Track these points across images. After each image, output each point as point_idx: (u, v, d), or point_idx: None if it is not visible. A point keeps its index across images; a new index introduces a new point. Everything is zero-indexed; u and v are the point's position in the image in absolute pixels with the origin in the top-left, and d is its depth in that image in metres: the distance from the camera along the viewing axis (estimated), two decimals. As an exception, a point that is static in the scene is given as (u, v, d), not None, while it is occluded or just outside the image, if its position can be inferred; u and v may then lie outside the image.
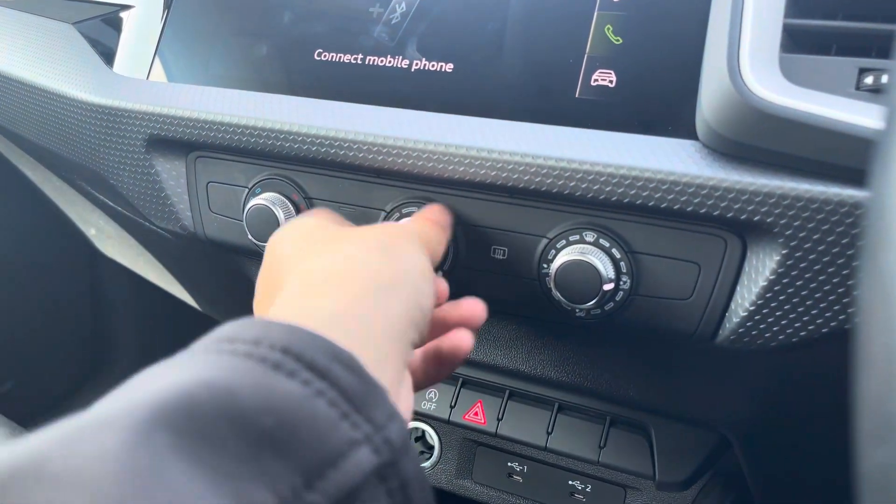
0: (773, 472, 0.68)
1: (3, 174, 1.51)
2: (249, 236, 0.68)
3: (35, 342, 1.70)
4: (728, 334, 0.55)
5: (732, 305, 0.54)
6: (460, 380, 0.75)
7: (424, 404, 0.75)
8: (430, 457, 0.89)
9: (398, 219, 0.63)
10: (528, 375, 0.71)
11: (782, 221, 0.49)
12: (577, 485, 0.82)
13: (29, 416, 1.18)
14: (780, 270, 0.51)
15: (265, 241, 0.67)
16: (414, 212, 0.62)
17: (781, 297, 0.51)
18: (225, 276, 1.06)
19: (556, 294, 0.59)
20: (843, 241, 0.48)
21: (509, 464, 0.85)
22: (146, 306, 1.76)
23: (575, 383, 0.68)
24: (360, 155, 0.61)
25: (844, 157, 0.47)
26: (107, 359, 1.80)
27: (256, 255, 0.74)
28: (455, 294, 0.65)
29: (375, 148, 0.60)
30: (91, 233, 1.58)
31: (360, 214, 0.65)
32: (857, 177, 0.47)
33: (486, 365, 0.72)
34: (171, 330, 1.83)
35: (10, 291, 1.64)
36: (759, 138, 0.49)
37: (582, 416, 0.71)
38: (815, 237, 0.49)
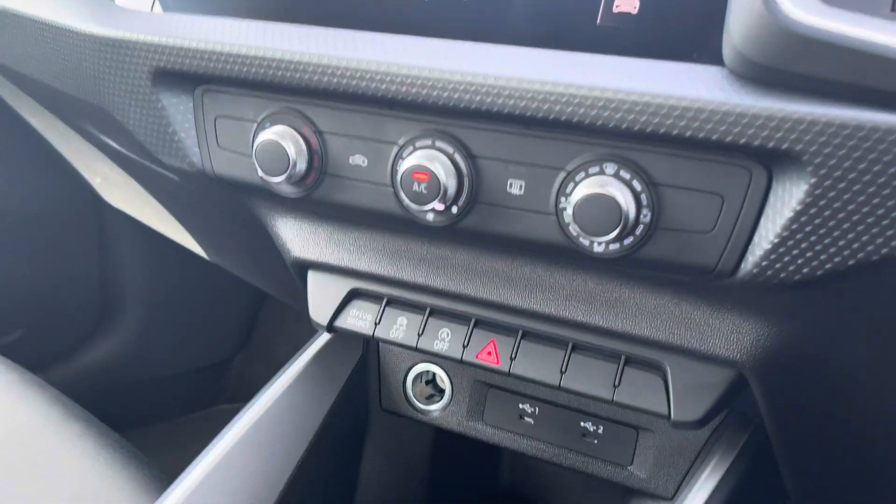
0: (789, 411, 0.67)
1: (8, 124, 1.49)
2: (259, 172, 0.66)
3: (43, 292, 1.70)
4: (750, 268, 0.54)
5: (755, 238, 0.53)
6: (473, 320, 0.74)
7: (437, 344, 0.75)
8: (441, 399, 0.89)
9: (411, 153, 0.61)
10: (541, 315, 0.70)
11: (811, 149, 0.48)
12: (589, 426, 0.82)
13: (39, 366, 1.18)
14: (807, 201, 0.49)
15: (275, 177, 0.66)
16: (427, 145, 0.61)
17: (808, 229, 0.50)
18: (232, 221, 1.05)
19: (574, 228, 0.57)
20: (875, 168, 0.46)
21: (521, 406, 0.84)
22: (153, 256, 1.76)
23: (589, 322, 0.68)
24: (373, 85, 0.59)
25: (880, 80, 0.45)
26: (115, 308, 1.80)
27: (266, 194, 0.73)
28: (471, 233, 0.63)
29: (389, 77, 0.58)
30: (96, 182, 1.57)
31: (373, 148, 0.63)
32: (892, 101, 0.45)
33: (500, 305, 0.71)
34: (178, 279, 1.82)
35: (16, 242, 1.63)
36: (791, 62, 0.47)
37: (596, 355, 0.70)
38: (845, 165, 0.47)
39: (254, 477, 0.78)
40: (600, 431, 0.81)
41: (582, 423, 0.82)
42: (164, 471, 0.96)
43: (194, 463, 0.77)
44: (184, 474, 0.76)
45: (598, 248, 0.57)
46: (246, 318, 2.00)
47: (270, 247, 0.88)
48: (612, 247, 0.57)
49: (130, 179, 1.29)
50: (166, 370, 1.90)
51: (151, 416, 1.86)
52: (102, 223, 1.74)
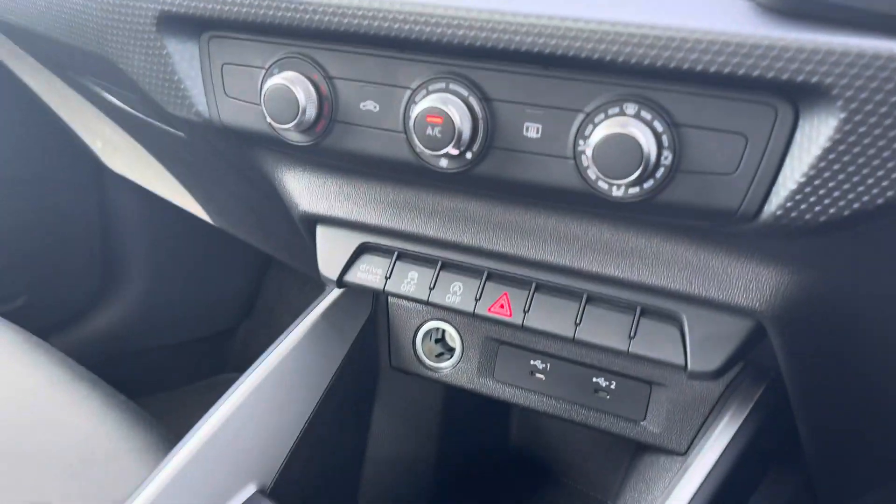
0: (808, 362, 0.66)
1: (7, 88, 1.47)
2: (268, 119, 0.65)
3: (45, 259, 1.69)
4: (774, 211, 0.52)
5: (780, 179, 0.52)
6: (485, 272, 0.73)
7: (448, 297, 0.74)
8: (451, 357, 0.88)
9: (424, 97, 0.60)
10: (555, 266, 0.69)
11: (842, 82, 0.46)
12: (602, 382, 0.81)
13: (42, 334, 1.18)
14: (836, 137, 0.48)
15: (284, 124, 0.65)
16: (441, 89, 0.59)
17: (836, 167, 0.49)
18: (238, 178, 1.03)
19: (593, 172, 0.56)
20: (908, 100, 0.45)
21: (532, 362, 0.84)
22: (156, 221, 1.74)
23: (604, 273, 0.66)
24: (384, 25, 0.58)
25: (915, 7, 0.43)
26: (118, 276, 1.79)
27: (273, 144, 0.72)
28: (486, 179, 0.62)
29: (401, 16, 0.57)
30: (97, 146, 1.55)
31: (386, 93, 0.62)
32: (927, 29, 0.44)
33: (513, 257, 0.70)
34: (181, 247, 1.81)
35: (17, 208, 1.62)
36: (821, -9, 0.45)
37: (611, 306, 0.69)
38: (876, 98, 0.46)
39: (263, 434, 0.77)
40: (613, 387, 0.80)
41: (594, 379, 0.81)
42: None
43: (202, 420, 0.76)
44: (191, 432, 0.76)
45: (616, 193, 0.56)
46: (249, 288, 1.99)
47: (277, 205, 0.87)
48: (632, 191, 0.56)
49: (132, 142, 1.27)
50: (170, 339, 1.89)
51: (155, 384, 1.86)
52: (103, 190, 1.72)
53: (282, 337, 0.82)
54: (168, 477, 0.71)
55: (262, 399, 0.77)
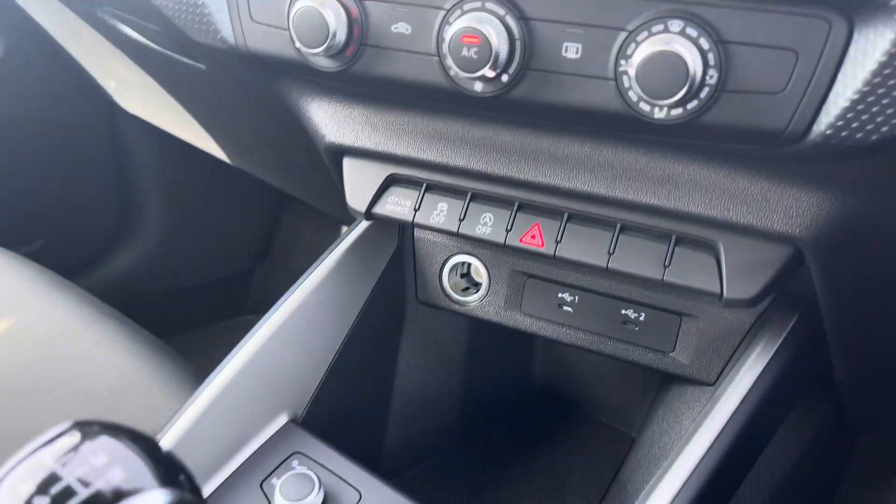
0: (846, 289, 0.65)
1: (19, 28, 1.44)
2: (296, 44, 0.63)
3: (62, 201, 1.69)
4: (823, 130, 0.51)
5: (831, 96, 0.50)
6: (516, 203, 0.72)
7: (479, 228, 0.73)
8: (476, 292, 0.88)
9: (459, 17, 0.58)
10: (589, 195, 0.68)
11: (903, -9, 0.44)
12: (630, 314, 0.80)
13: (62, 274, 1.18)
14: (892, 51, 0.46)
15: (313, 48, 0.63)
16: (477, 7, 0.57)
17: (891, 83, 0.47)
18: (259, 113, 1.02)
19: (635, 93, 0.55)
20: (973, 9, 0.43)
21: (560, 295, 0.83)
22: (170, 164, 1.73)
23: (639, 201, 0.65)
24: (420, -59, 0.56)
25: None
26: (134, 219, 1.79)
27: (300, 72, 0.70)
28: (522, 104, 0.61)
29: (437, -69, 0.55)
30: (111, 86, 1.53)
31: (418, 14, 0.60)
32: None
33: (545, 186, 0.69)
34: (197, 187, 1.81)
35: (31, 149, 1.61)
36: None
37: (645, 235, 0.68)
38: (939, 7, 0.44)
39: (294, 365, 0.78)
40: (642, 318, 0.80)
41: (623, 311, 0.80)
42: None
43: (234, 352, 0.76)
44: (223, 364, 0.76)
45: (658, 114, 0.55)
46: (264, 231, 1.99)
47: (299, 139, 0.85)
48: (674, 112, 0.54)
49: (147, 80, 1.25)
50: (187, 281, 1.90)
51: (173, 326, 1.88)
52: (116, 132, 1.71)
53: (310, 270, 0.81)
54: (201, 408, 0.72)
55: (293, 331, 0.77)
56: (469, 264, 0.88)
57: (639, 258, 0.68)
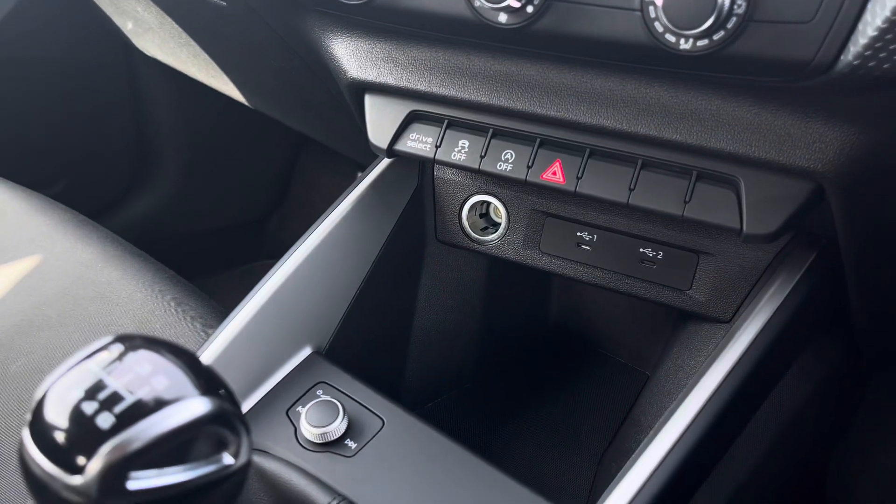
0: (867, 225, 0.66)
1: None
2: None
3: (81, 144, 1.70)
4: (850, 60, 0.51)
5: (859, 26, 0.50)
6: (538, 139, 0.72)
7: (500, 165, 0.73)
8: (495, 232, 0.89)
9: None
10: (611, 131, 0.68)
11: (938, -86, 0.44)
12: (648, 252, 0.81)
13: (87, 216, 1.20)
14: (924, -22, 0.46)
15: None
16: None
17: (921, 10, 0.47)
18: (279, 55, 1.02)
19: (661, 23, 0.54)
20: None
21: (578, 234, 0.84)
22: (188, 106, 1.73)
23: (661, 136, 0.66)
24: None
25: None
26: (152, 163, 1.80)
27: (324, 5, 0.70)
28: (546, 36, 0.60)
29: None
30: (128, 27, 1.52)
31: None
32: None
33: (567, 122, 0.69)
34: (215, 130, 1.81)
35: (49, 94, 1.61)
36: None
37: (666, 171, 0.68)
38: (975, -69, 0.43)
39: (318, 299, 0.80)
40: (659, 257, 0.81)
41: (641, 250, 0.81)
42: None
43: (258, 286, 0.78)
44: (248, 297, 0.78)
45: (684, 45, 0.55)
46: (281, 177, 2.00)
47: (321, 78, 0.86)
48: (700, 43, 0.54)
49: (165, 20, 1.25)
50: (205, 225, 1.92)
51: (191, 271, 1.91)
52: (134, 74, 1.71)
53: (332, 207, 0.82)
54: (228, 338, 0.74)
55: (316, 265, 0.79)
56: (488, 204, 0.89)
57: (659, 194, 0.68)
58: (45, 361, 0.93)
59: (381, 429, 0.70)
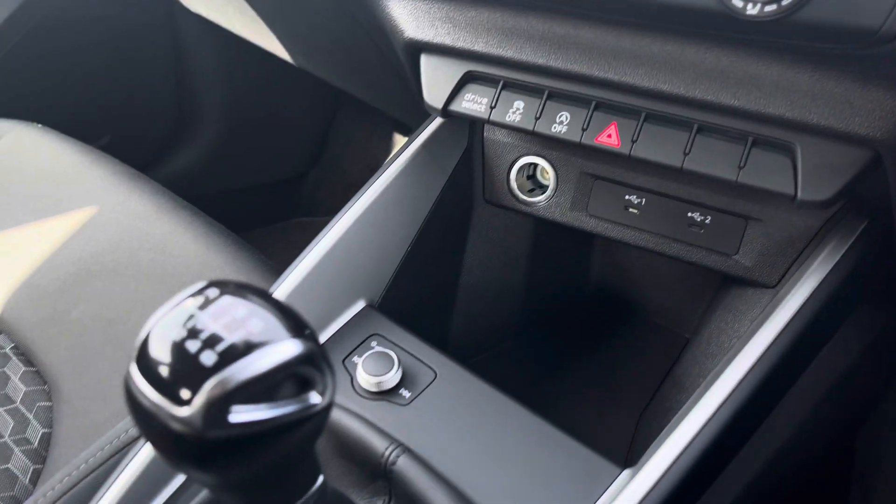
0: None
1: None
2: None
3: (124, 99, 1.73)
4: (919, 28, 0.51)
5: (932, -6, 0.50)
6: (593, 102, 0.73)
7: (555, 127, 0.74)
8: (542, 194, 0.90)
9: None
10: (668, 95, 0.68)
11: None
12: (696, 216, 0.82)
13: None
14: None
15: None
16: None
17: None
18: (330, 16, 1.03)
19: (729, -12, 0.55)
20: None
21: (626, 197, 0.85)
22: (229, 63, 1.75)
23: (719, 101, 0.66)
24: None
25: None
26: (193, 117, 1.82)
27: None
28: (608, 0, 0.61)
29: None
30: (173, -18, 1.54)
31: None
32: None
33: (623, 85, 0.70)
34: (255, 87, 1.83)
35: (92, 50, 1.64)
36: None
37: (722, 136, 0.69)
38: None
39: (372, 254, 0.82)
40: (707, 221, 0.81)
41: (689, 214, 0.82)
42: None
43: (314, 242, 0.80)
44: (303, 254, 0.80)
45: (751, 10, 0.55)
46: (318, 135, 2.02)
47: (374, 37, 0.86)
48: (768, 8, 0.54)
49: (212, -24, 1.26)
50: (243, 182, 1.95)
51: (230, 226, 1.94)
52: (177, 30, 1.73)
53: (384, 166, 0.84)
54: (286, 291, 0.77)
55: (370, 223, 0.81)
56: (535, 166, 0.90)
57: (714, 159, 0.69)
58: (103, 308, 0.96)
59: (433, 380, 0.72)
